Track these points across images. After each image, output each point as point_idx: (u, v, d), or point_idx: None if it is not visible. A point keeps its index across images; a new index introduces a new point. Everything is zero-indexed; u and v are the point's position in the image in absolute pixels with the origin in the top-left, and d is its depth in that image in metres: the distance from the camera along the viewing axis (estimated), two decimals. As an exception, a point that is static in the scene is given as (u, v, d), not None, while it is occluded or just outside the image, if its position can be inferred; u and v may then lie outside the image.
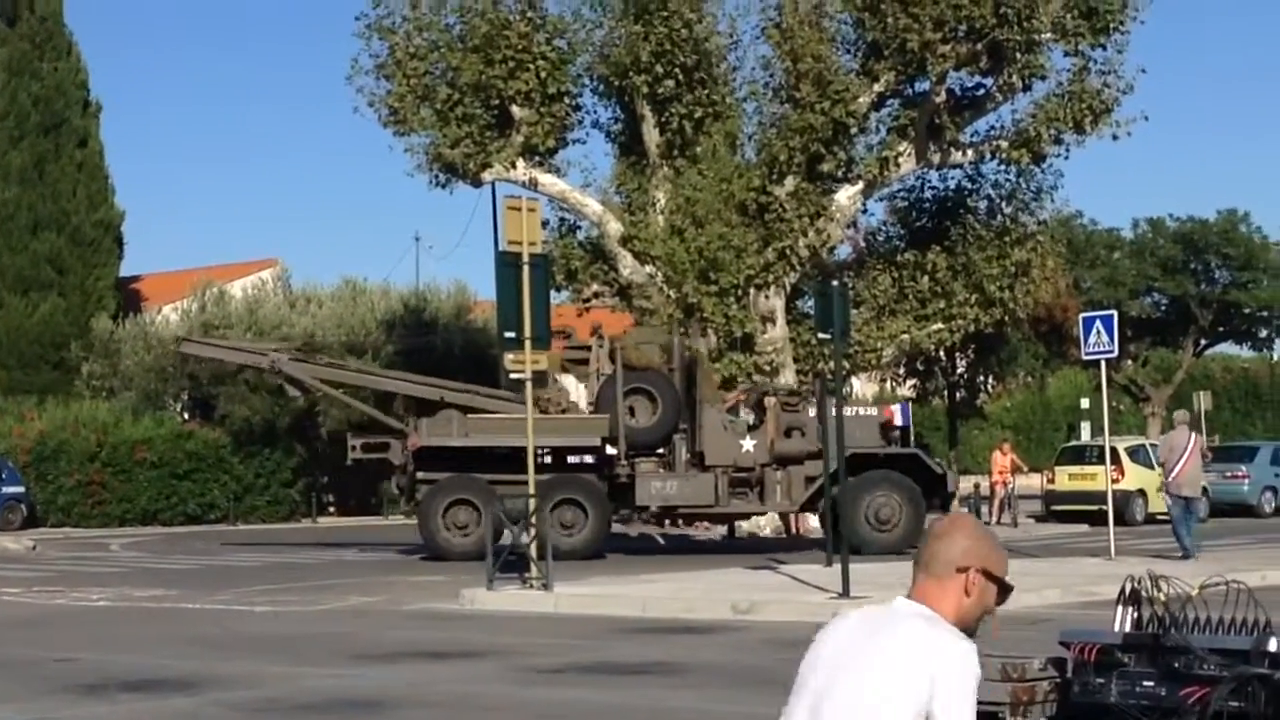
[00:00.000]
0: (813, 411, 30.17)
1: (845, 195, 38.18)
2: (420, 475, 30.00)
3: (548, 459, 29.74)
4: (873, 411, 31.95)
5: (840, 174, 37.95)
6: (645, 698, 13.83)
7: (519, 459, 28.72)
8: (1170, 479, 26.43)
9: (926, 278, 39.43)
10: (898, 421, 30.91)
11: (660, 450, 30.25)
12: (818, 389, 29.80)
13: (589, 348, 31.00)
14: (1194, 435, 26.98)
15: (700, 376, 30.71)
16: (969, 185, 40.77)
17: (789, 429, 30.07)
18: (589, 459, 29.90)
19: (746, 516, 30.90)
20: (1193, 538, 26.20)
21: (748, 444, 29.86)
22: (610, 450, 29.89)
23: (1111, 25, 37.09)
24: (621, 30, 38.57)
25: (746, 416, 30.52)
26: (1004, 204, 40.62)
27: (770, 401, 30.53)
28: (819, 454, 28.90)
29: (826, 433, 24.09)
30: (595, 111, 40.98)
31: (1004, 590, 4.77)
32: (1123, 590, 5.77)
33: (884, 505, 29.45)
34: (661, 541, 33.69)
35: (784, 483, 29.90)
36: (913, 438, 31.37)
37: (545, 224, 36.16)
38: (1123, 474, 36.59)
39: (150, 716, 13.06)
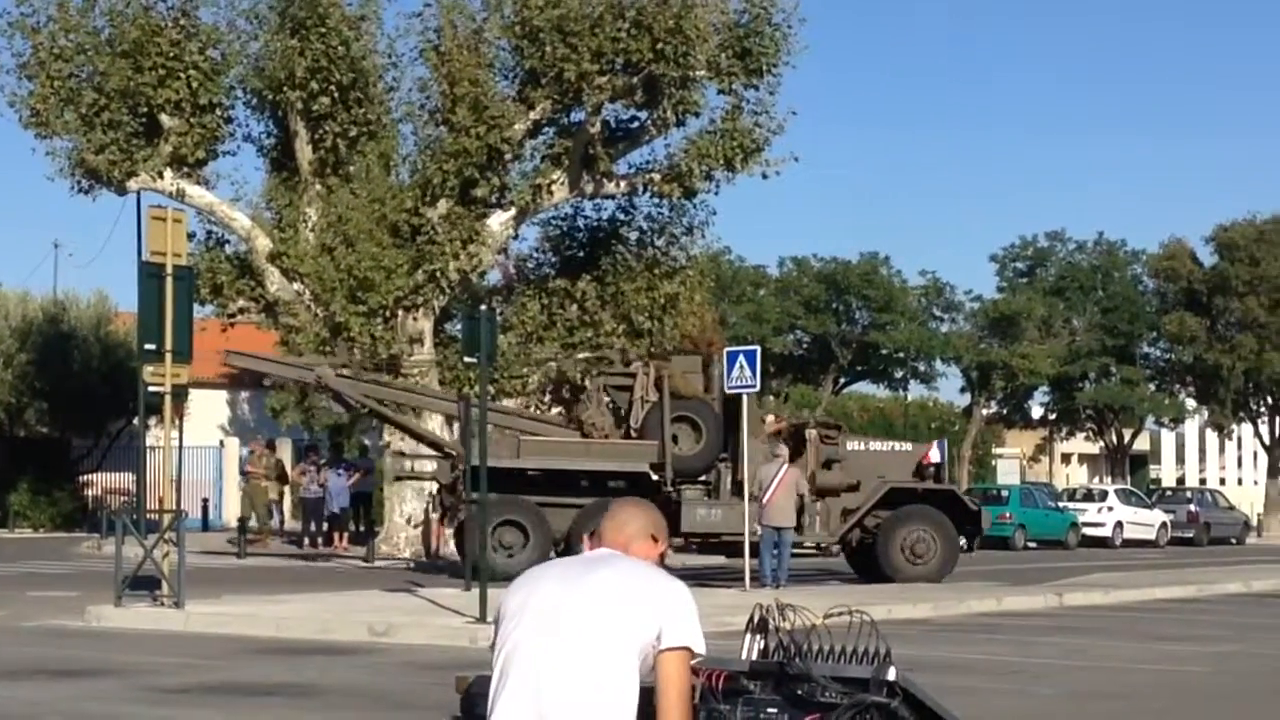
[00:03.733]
0: (851, 445, 30.81)
1: (498, 221, 38.21)
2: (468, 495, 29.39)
3: (585, 483, 29.68)
4: (908, 447, 32.58)
5: (494, 199, 37.96)
6: (273, 719, 13.60)
7: (561, 481, 28.96)
8: (762, 507, 27.40)
9: (576, 306, 39.68)
10: (934, 459, 31.34)
11: (701, 478, 30.27)
12: (462, 412, 29.72)
13: (633, 374, 30.87)
14: (787, 467, 27.80)
15: (744, 406, 30.36)
16: (622, 217, 41.15)
17: (828, 461, 30.22)
18: (621, 484, 29.58)
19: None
20: (782, 568, 27.42)
21: None
22: (653, 477, 29.72)
23: (765, 67, 37.78)
24: (277, 44, 38.04)
25: (781, 448, 30.44)
26: (655, 237, 41.09)
27: (810, 434, 30.62)
28: (856, 487, 29.71)
29: (481, 451, 24.04)
30: (247, 124, 40.37)
31: None
32: (751, 618, 5.83)
33: (920, 539, 29.76)
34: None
35: (823, 514, 30.05)
36: (946, 474, 31.69)
37: (192, 236, 35.48)
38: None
39: None
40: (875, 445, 32.47)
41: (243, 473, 42.65)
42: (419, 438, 33.68)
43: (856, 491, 29.88)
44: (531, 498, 29.48)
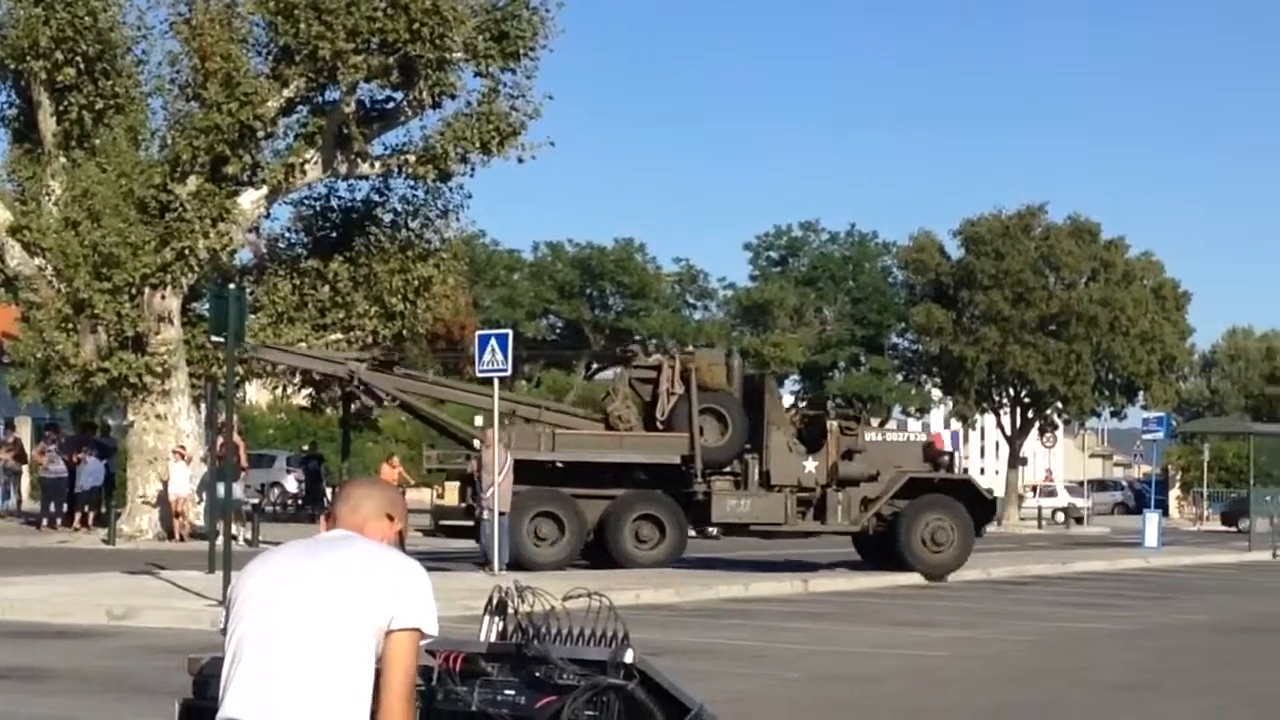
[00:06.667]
0: (869, 436, 31.66)
1: (249, 199, 37.63)
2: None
3: (610, 475, 30.00)
4: (922, 437, 33.56)
5: (245, 177, 37.37)
6: (4, 704, 13.24)
7: (588, 473, 29.59)
8: (486, 494, 27.58)
9: (328, 287, 39.25)
10: (947, 447, 31.85)
11: (727, 469, 30.58)
12: (209, 392, 29.29)
13: (658, 367, 30.97)
14: (509, 453, 28.05)
15: (768, 398, 31.02)
16: (376, 198, 40.80)
17: (848, 452, 30.68)
18: (643, 475, 30.22)
19: (805, 535, 31.89)
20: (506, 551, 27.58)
21: (810, 465, 30.42)
22: (684, 469, 30.13)
23: (522, 50, 37.71)
24: (20, 12, 37.04)
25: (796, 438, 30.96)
26: (410, 219, 40.80)
27: (831, 425, 31.17)
28: (875, 477, 30.45)
29: (227, 428, 23.68)
30: (-12, 94, 39.27)
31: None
32: (490, 601, 5.79)
33: (940, 528, 30.46)
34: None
35: (845, 504, 30.60)
36: (960, 465, 32.47)
37: (-74, 208, 34.47)
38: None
39: None
40: (892, 436, 33.74)
41: None
42: (445, 430, 33.90)
43: (875, 481, 30.67)
44: (568, 489, 29.94)
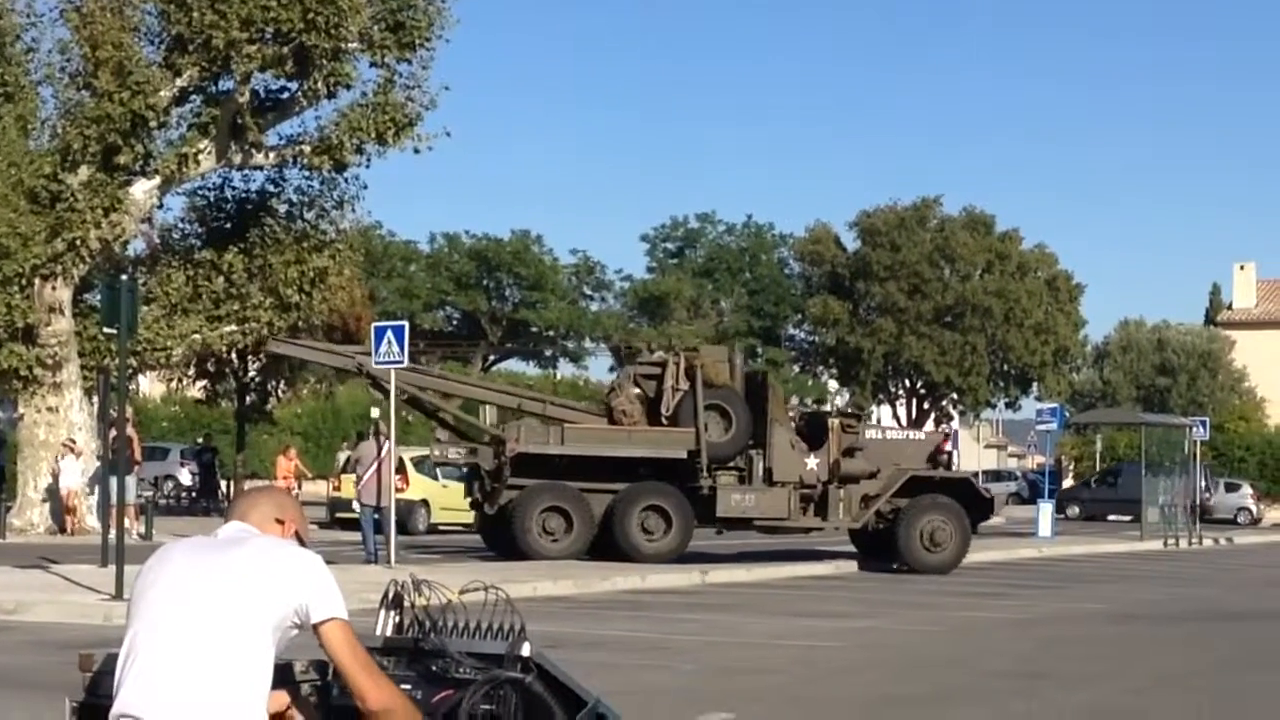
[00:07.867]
0: (870, 434, 32.36)
1: (142, 189, 37.24)
2: (512, 481, 30.02)
3: (612, 470, 30.27)
4: (921, 436, 34.63)
5: (138, 167, 36.99)
6: (-108, 703, 13.05)
7: (591, 467, 29.98)
8: (360, 486, 27.92)
9: (222, 278, 38.89)
10: (947, 447, 33.12)
11: (731, 464, 30.90)
12: (101, 385, 29.00)
13: (662, 364, 31.42)
14: (387, 445, 28.09)
15: (770, 395, 31.34)
16: (272, 189, 40.47)
17: (849, 449, 31.07)
18: (649, 470, 30.54)
19: (807, 531, 32.50)
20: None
21: (812, 462, 30.81)
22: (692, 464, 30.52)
23: (418, 41, 37.56)
24: (-93, -1, 36.54)
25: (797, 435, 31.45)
26: (305, 210, 40.53)
27: (833, 423, 31.64)
28: (876, 474, 30.94)
29: (120, 423, 23.42)
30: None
31: None
32: (386, 594, 5.75)
33: (939, 528, 30.90)
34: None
35: (846, 500, 31.05)
36: (955, 463, 32.85)
37: None
38: (407, 483, 36.97)
39: None
40: (892, 434, 34.55)
41: None
42: (453, 428, 33.68)
43: (875, 479, 31.13)
44: (576, 483, 30.26)
